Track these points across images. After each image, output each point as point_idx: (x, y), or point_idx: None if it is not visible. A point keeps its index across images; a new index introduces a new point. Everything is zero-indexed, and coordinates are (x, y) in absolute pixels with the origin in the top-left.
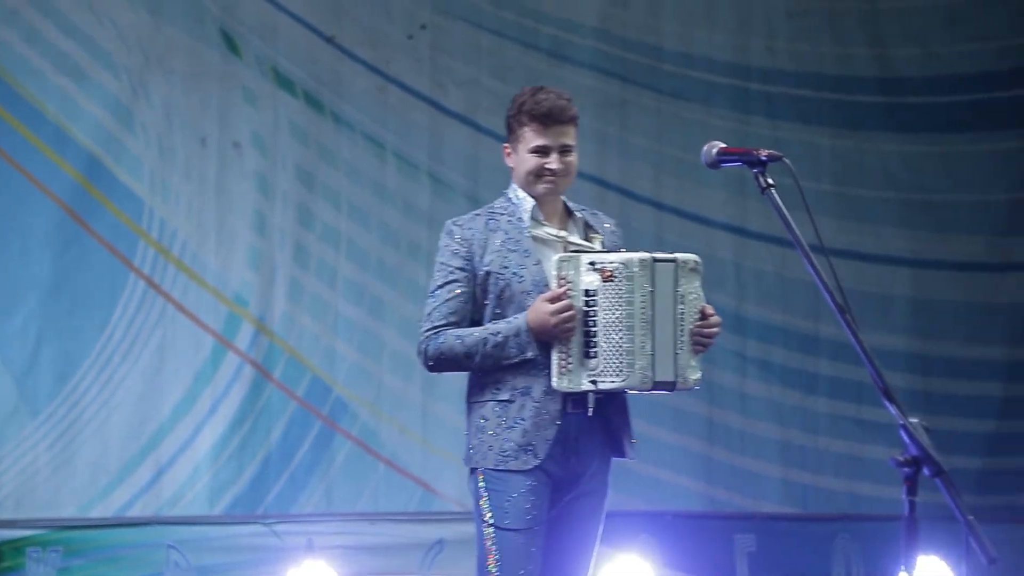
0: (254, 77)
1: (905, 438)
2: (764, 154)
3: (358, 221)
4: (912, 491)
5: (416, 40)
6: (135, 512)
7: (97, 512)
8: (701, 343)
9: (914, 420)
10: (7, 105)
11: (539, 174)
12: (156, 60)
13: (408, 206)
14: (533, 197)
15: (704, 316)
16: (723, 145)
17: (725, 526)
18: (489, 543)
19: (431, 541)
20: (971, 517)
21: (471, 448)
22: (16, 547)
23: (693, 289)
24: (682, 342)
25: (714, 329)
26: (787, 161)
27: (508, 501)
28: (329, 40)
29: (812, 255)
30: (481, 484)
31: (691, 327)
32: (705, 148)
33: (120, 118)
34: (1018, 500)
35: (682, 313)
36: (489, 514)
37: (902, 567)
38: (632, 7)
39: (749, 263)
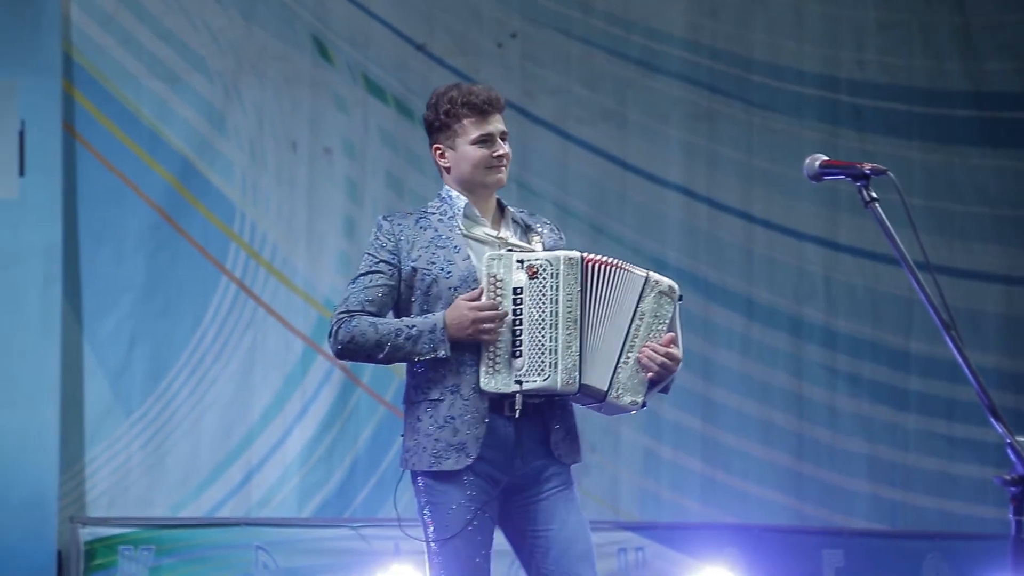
0: (345, 83)
1: (1012, 456)
2: (868, 167)
3: None
4: (1019, 511)
5: (506, 48)
6: (225, 513)
7: (188, 512)
8: (648, 366)
9: (1021, 438)
10: (103, 108)
11: (489, 164)
12: (249, 65)
13: None
14: (483, 189)
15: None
16: (826, 158)
17: (813, 541)
18: (435, 559)
19: None
20: None
21: (407, 450)
22: (109, 545)
23: (660, 313)
24: (628, 357)
25: (665, 360)
26: (891, 175)
27: (449, 514)
28: (420, 48)
29: (917, 271)
30: (423, 497)
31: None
32: (807, 161)
33: (213, 122)
34: None
35: (637, 328)
36: (432, 528)
37: None
38: (721, 17)
39: (840, 277)
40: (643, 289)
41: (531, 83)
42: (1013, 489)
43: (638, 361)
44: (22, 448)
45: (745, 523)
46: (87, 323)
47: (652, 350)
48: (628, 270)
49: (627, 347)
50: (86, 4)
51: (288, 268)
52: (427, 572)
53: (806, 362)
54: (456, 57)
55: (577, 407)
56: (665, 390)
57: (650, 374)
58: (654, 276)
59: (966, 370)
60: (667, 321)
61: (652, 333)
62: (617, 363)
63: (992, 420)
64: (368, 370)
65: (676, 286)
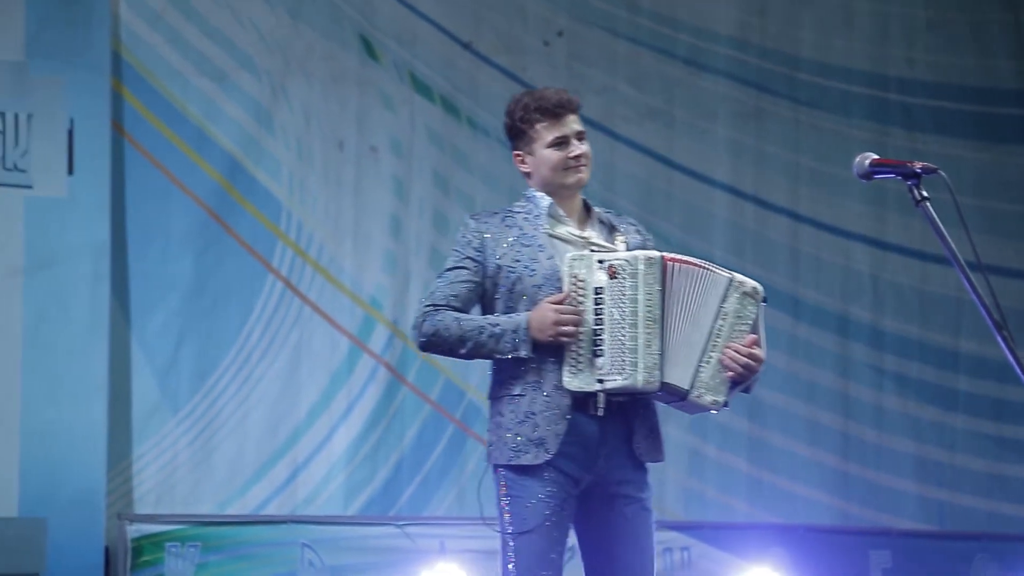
0: (392, 82)
1: None
2: (919, 166)
3: None
4: None
5: (552, 47)
6: (271, 510)
7: (234, 509)
8: (731, 367)
9: None
10: (151, 106)
11: (566, 166)
12: (296, 63)
13: None
14: (565, 190)
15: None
16: (876, 156)
17: (860, 541)
18: (509, 551)
19: None
20: None
21: (490, 444)
22: (155, 542)
23: (744, 313)
24: (711, 357)
25: (748, 360)
26: (943, 174)
27: (527, 507)
28: (466, 46)
29: (968, 271)
30: (503, 489)
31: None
32: (858, 159)
33: (261, 121)
34: None
35: (720, 328)
36: (509, 518)
37: None
38: (769, 16)
39: (887, 276)
40: (727, 289)
41: (577, 82)
42: None
43: (720, 361)
44: (70, 445)
45: (791, 523)
46: (135, 321)
47: (735, 351)
48: (712, 270)
49: (709, 346)
50: (135, 2)
51: (334, 267)
52: (500, 563)
53: (853, 362)
54: (502, 55)
55: (660, 406)
56: (747, 390)
57: (731, 374)
58: (738, 277)
59: (1018, 370)
60: (750, 322)
61: (735, 333)
62: (699, 362)
63: None
64: (414, 369)
65: (760, 287)
